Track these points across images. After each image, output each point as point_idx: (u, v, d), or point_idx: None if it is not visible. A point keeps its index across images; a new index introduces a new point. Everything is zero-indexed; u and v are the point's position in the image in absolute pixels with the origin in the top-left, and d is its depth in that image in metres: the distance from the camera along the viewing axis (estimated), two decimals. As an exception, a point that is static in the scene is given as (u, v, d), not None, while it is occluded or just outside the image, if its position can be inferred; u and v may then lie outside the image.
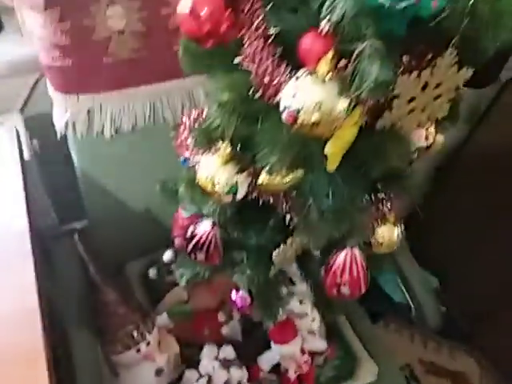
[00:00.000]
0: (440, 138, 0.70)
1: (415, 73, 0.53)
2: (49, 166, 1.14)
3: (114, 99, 0.97)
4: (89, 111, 0.98)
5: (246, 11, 0.53)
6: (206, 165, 0.60)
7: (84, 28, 0.86)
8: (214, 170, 0.59)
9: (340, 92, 0.48)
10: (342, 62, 0.48)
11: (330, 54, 0.47)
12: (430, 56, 0.53)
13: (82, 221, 1.18)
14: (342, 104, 0.48)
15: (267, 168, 0.55)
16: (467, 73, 0.58)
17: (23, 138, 1.03)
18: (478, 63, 0.55)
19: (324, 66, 0.47)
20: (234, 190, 0.59)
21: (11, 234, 0.79)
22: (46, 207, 1.17)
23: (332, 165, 0.57)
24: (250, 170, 0.59)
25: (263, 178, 0.57)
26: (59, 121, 1.00)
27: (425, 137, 0.65)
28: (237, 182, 0.59)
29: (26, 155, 1.02)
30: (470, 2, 0.46)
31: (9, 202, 0.85)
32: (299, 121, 0.48)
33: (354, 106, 0.50)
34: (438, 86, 0.58)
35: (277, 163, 0.54)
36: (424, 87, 0.57)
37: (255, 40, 0.53)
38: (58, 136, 1.02)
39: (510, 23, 0.47)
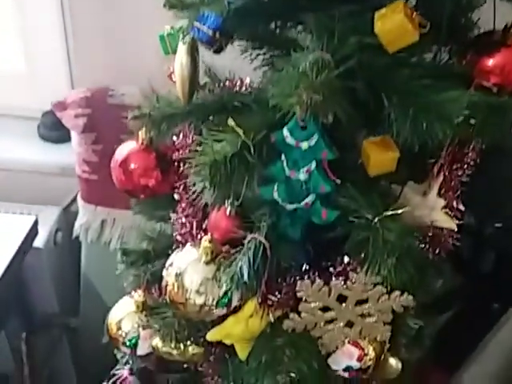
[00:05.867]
0: (394, 362, 0.63)
1: (319, 281, 0.51)
2: (64, 258, 1.21)
3: (127, 217, 1.03)
4: (102, 222, 1.05)
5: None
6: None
7: (113, 152, 0.96)
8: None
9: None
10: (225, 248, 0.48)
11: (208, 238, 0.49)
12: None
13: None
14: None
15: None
16: (405, 298, 0.54)
17: (47, 228, 1.11)
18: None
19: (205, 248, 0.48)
20: (133, 342, 0.57)
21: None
22: (48, 294, 1.21)
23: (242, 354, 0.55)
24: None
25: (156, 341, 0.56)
26: (77, 223, 1.08)
27: (358, 357, 0.59)
28: (138, 336, 0.57)
29: (40, 243, 1.08)
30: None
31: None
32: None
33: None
34: (362, 302, 0.55)
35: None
36: (342, 300, 0.54)
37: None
38: (73, 236, 1.09)
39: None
